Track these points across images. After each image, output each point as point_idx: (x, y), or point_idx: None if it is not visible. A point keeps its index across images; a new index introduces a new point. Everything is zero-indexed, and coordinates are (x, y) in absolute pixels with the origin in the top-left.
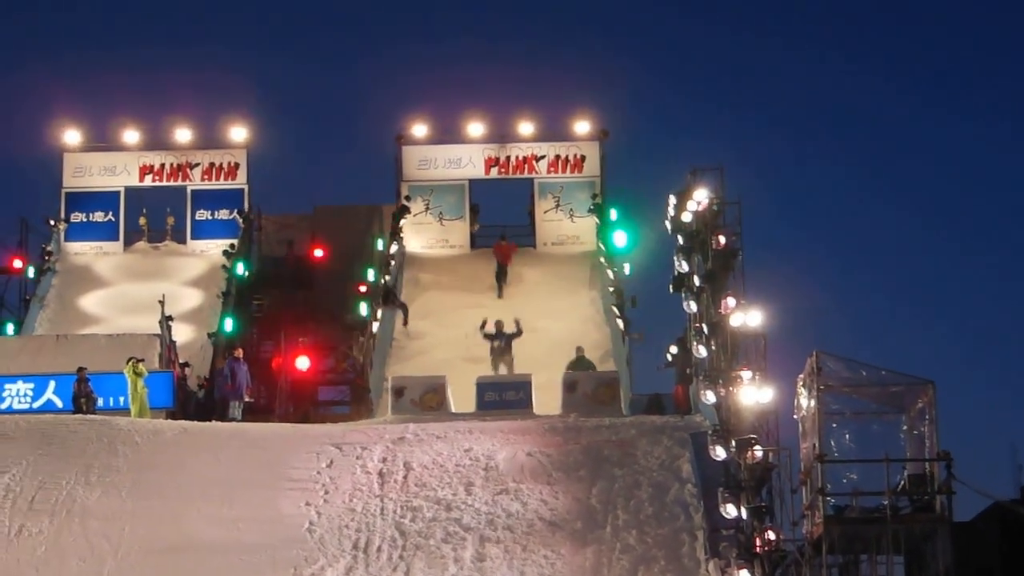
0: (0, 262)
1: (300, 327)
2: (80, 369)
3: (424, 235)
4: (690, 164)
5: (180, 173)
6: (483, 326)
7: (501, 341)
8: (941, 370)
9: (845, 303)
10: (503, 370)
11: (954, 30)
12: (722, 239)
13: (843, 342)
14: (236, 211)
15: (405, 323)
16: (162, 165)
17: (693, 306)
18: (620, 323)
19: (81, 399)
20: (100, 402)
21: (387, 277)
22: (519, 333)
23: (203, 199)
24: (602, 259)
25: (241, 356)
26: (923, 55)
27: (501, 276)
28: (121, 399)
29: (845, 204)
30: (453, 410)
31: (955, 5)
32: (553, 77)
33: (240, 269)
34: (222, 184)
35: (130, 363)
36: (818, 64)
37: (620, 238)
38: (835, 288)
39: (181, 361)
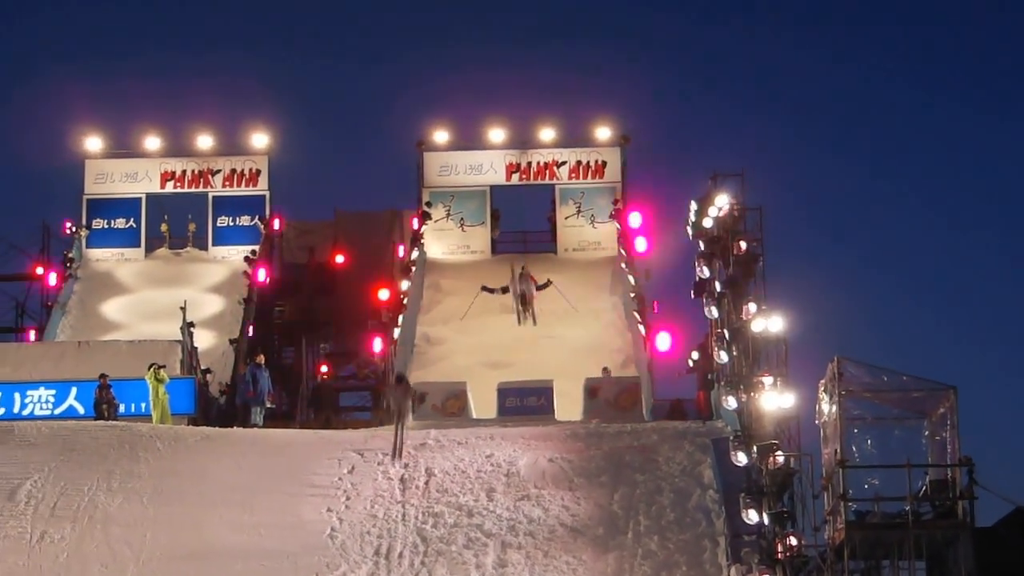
0: (22, 269)
1: (321, 333)
2: (102, 375)
3: (445, 241)
4: (711, 170)
5: (201, 179)
6: (492, 292)
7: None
8: (963, 375)
9: (866, 308)
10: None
11: (982, 36)
12: (743, 245)
13: (864, 347)
14: (257, 217)
15: (414, 409)
16: (183, 171)
17: (714, 312)
18: (641, 328)
19: (103, 405)
20: (122, 408)
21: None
22: (547, 284)
23: (224, 205)
24: (623, 265)
25: (263, 362)
26: (951, 59)
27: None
28: (143, 405)
29: (866, 209)
30: (474, 416)
31: (981, 12)
32: (574, 83)
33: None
34: (243, 190)
35: (151, 369)
36: (841, 69)
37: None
38: (856, 293)
39: (203, 367)
